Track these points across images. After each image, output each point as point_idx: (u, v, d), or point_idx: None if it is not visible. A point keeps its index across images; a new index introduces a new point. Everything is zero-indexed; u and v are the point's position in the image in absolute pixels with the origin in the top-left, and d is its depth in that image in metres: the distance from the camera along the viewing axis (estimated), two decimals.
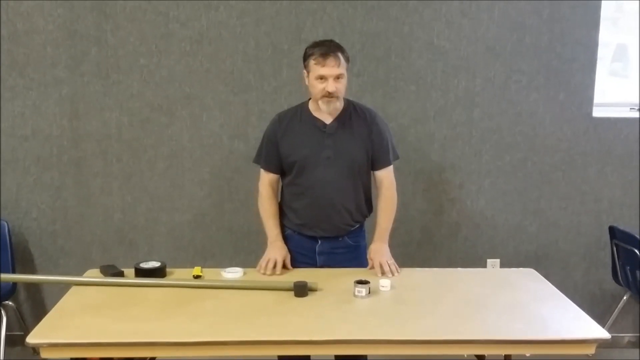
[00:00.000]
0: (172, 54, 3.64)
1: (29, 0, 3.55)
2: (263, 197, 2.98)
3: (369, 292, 2.55)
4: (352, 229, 2.94)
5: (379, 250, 2.86)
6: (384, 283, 2.62)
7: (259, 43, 3.65)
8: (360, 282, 2.56)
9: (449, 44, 3.69)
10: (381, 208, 2.94)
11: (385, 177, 2.92)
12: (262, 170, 2.98)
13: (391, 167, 2.94)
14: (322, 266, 2.94)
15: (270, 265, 2.81)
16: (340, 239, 2.93)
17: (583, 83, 3.76)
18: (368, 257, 2.88)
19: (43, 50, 3.61)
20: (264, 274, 2.80)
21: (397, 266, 2.82)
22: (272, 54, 3.66)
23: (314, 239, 2.93)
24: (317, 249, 2.94)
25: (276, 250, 2.88)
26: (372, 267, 2.83)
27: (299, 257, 2.95)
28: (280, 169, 2.94)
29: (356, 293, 2.55)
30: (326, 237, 2.92)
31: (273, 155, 2.92)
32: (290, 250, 2.93)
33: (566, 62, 3.73)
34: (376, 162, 2.89)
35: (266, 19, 3.62)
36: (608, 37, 3.88)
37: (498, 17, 3.67)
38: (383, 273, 2.77)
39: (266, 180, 2.98)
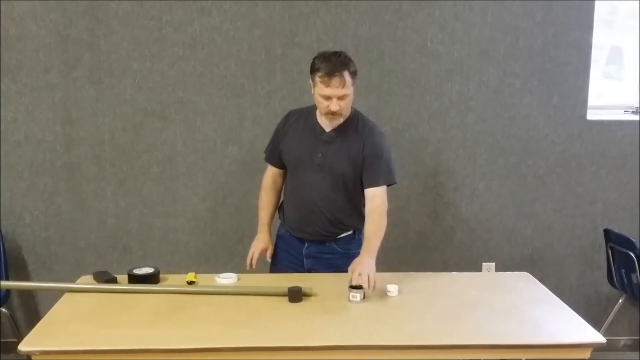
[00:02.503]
0: (165, 58, 3.63)
1: (21, 3, 3.53)
2: (263, 188, 3.05)
3: (364, 297, 2.54)
4: (339, 236, 2.93)
5: (362, 261, 2.58)
6: (391, 288, 2.61)
7: (253, 47, 3.64)
8: (355, 287, 2.54)
9: (442, 47, 3.69)
10: (368, 229, 2.75)
11: (375, 197, 2.79)
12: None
13: (383, 188, 2.81)
14: (309, 269, 2.95)
15: (248, 261, 2.92)
16: (327, 244, 2.93)
17: (577, 86, 3.77)
18: (350, 268, 2.59)
19: (36, 56, 3.60)
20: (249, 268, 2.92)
21: (375, 282, 2.52)
22: (265, 58, 3.65)
23: (302, 240, 2.94)
24: (304, 252, 2.95)
25: (256, 242, 2.97)
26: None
27: (288, 257, 2.98)
28: (282, 164, 2.98)
29: (351, 298, 2.53)
30: (312, 240, 2.92)
31: (276, 149, 2.97)
32: (280, 250, 2.99)
33: (560, 65, 3.74)
34: (364, 179, 2.82)
35: (259, 23, 3.61)
36: (602, 39, 3.89)
37: (491, 20, 3.67)
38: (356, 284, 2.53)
39: (269, 172, 3.05)
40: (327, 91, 2.65)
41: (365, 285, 2.51)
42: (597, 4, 3.69)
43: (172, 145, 3.73)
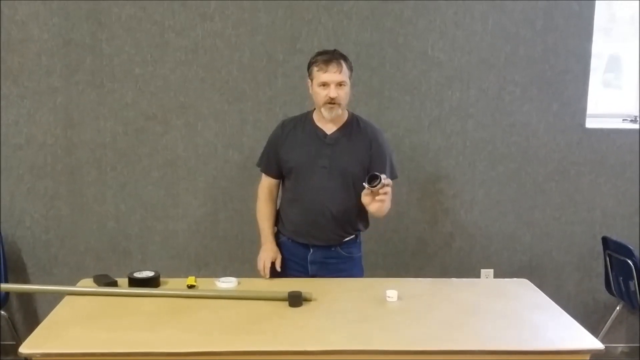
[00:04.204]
0: (167, 63, 3.65)
1: (24, 6, 3.55)
2: (260, 200, 3.03)
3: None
4: (345, 239, 2.94)
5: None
6: (391, 294, 2.62)
7: (254, 53, 3.66)
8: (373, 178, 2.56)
9: (443, 54, 3.71)
10: None
11: None
12: (262, 174, 3.03)
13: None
14: (313, 275, 2.95)
15: (262, 272, 2.88)
16: (332, 249, 2.94)
17: (576, 94, 3.78)
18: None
19: (38, 59, 3.61)
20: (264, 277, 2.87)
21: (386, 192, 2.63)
22: (267, 63, 3.67)
23: (307, 247, 2.94)
24: (309, 258, 2.95)
25: (264, 252, 2.94)
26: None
27: (292, 265, 2.97)
28: (280, 174, 2.98)
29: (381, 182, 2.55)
30: (318, 245, 2.92)
31: (273, 160, 2.96)
32: (283, 257, 2.96)
33: (559, 73, 3.75)
34: None
35: (261, 29, 3.63)
36: (600, 47, 3.91)
37: (492, 29, 3.69)
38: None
39: (265, 184, 3.03)
40: (325, 77, 2.71)
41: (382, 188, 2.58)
42: (596, 12, 3.71)
43: (173, 150, 3.74)
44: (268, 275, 2.87)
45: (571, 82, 3.77)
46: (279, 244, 3.00)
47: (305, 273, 2.95)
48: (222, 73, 3.67)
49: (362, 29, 3.66)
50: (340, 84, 2.73)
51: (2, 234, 3.69)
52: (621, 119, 4.01)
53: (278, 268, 2.91)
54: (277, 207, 3.06)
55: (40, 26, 3.58)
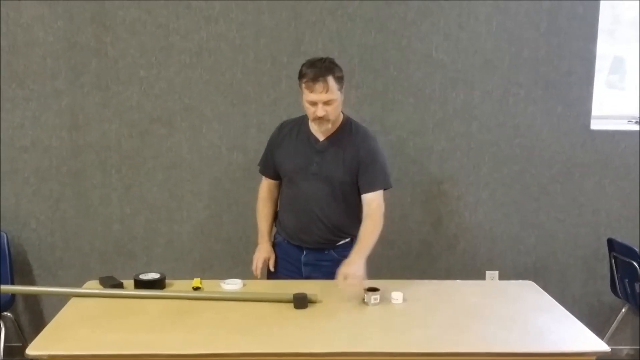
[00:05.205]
0: (171, 65, 3.66)
1: (29, 9, 3.56)
2: (259, 199, 3.09)
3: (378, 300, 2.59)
4: (338, 243, 2.95)
5: (351, 263, 2.63)
6: (396, 296, 2.63)
7: (258, 55, 3.66)
8: (372, 290, 2.59)
9: (447, 56, 3.71)
10: (363, 229, 2.80)
11: (372, 201, 2.82)
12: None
13: (379, 192, 2.85)
14: (307, 277, 2.97)
15: (254, 272, 2.95)
16: (325, 251, 2.95)
17: (581, 96, 3.78)
18: (339, 269, 2.64)
19: (43, 62, 3.62)
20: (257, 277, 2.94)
21: (361, 281, 2.59)
22: (271, 66, 3.67)
23: (300, 248, 2.97)
24: (302, 259, 2.97)
25: (258, 252, 3.01)
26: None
27: (286, 265, 3.00)
28: (277, 175, 3.00)
29: (372, 301, 2.57)
30: (310, 248, 2.95)
31: (270, 161, 2.99)
32: (278, 257, 3.01)
33: (564, 75, 3.75)
34: (361, 184, 2.85)
35: (265, 32, 3.64)
36: (605, 49, 3.90)
37: (496, 30, 3.69)
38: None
39: (264, 184, 3.08)
40: (312, 97, 2.69)
41: (353, 288, 2.57)
42: (600, 13, 3.71)
43: (178, 152, 3.75)
44: (259, 275, 2.92)
45: (575, 84, 3.76)
46: (275, 244, 3.04)
47: (298, 274, 2.98)
48: (226, 75, 3.68)
49: (366, 31, 3.66)
50: (327, 102, 2.70)
51: (8, 236, 3.69)
52: (626, 121, 4.01)
53: (271, 267, 2.96)
54: (278, 208, 3.09)
55: (45, 29, 3.59)
